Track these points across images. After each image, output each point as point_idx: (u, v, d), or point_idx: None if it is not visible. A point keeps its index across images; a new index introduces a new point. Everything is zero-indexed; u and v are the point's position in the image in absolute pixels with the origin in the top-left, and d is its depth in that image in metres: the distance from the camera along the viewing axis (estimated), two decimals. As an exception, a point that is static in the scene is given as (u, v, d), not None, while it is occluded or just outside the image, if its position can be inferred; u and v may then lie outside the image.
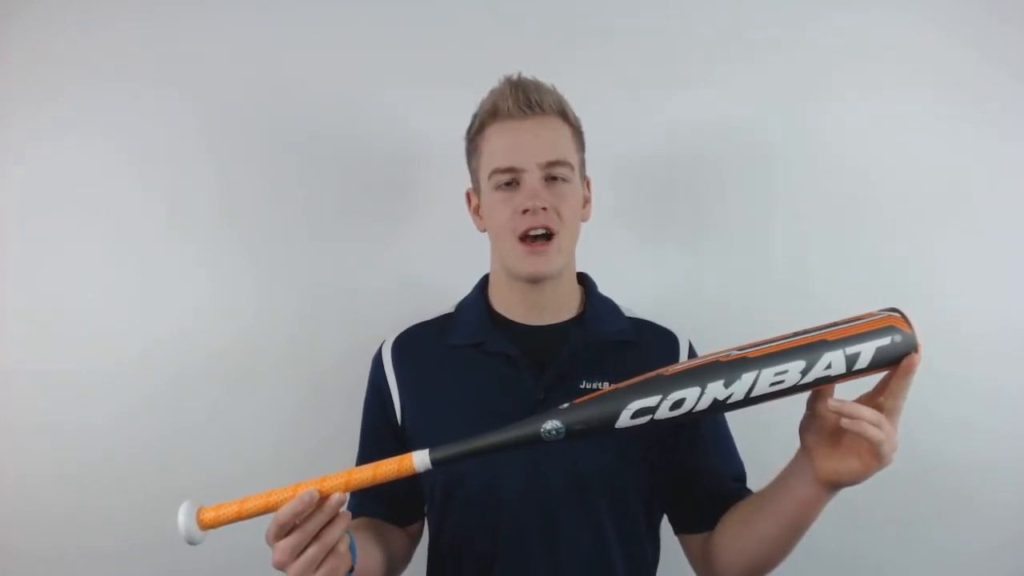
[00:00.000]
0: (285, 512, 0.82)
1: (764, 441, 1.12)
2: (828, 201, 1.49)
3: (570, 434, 0.87)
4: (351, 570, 0.92)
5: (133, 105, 1.45)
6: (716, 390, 0.85)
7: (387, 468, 0.86)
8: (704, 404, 0.86)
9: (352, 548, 0.92)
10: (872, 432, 0.83)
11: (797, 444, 0.95)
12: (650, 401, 0.86)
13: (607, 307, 1.18)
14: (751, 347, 0.88)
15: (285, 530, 0.83)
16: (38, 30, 1.44)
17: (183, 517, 0.84)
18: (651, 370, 1.11)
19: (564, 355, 1.10)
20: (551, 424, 0.86)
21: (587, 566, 1.06)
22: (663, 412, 0.86)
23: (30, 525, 1.43)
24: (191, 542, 0.84)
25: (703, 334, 1.22)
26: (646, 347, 1.14)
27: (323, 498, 0.84)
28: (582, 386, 1.08)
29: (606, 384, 1.08)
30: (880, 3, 1.48)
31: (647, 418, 0.86)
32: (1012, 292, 1.48)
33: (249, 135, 1.48)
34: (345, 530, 0.87)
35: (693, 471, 1.11)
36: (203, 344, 1.46)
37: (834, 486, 0.91)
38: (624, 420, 0.86)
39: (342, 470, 1.16)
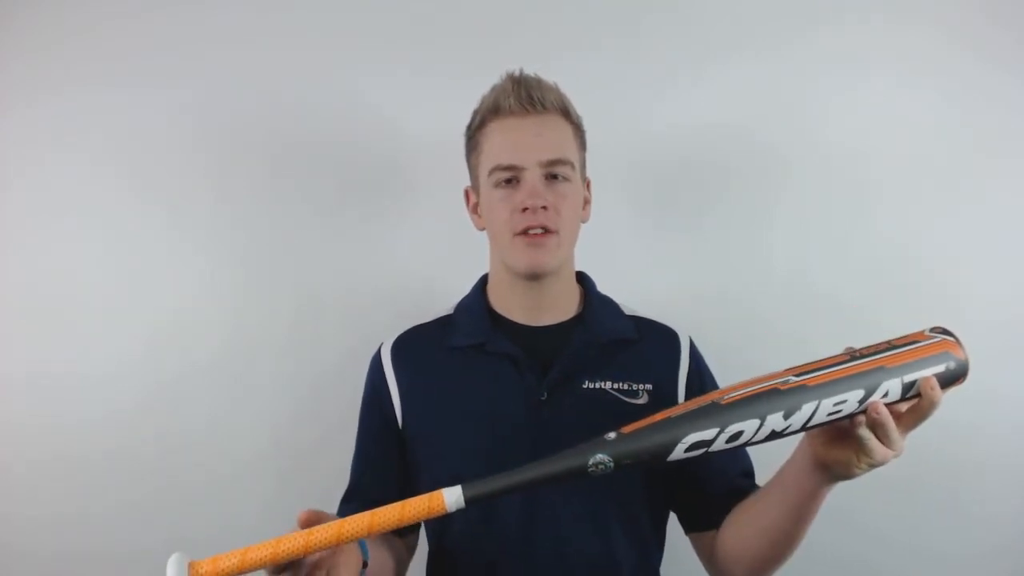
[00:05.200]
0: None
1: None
2: (829, 199, 1.50)
3: (619, 467, 0.80)
4: (364, 565, 0.91)
5: (132, 107, 1.46)
6: (775, 422, 0.81)
7: (416, 508, 0.78)
8: (761, 436, 0.81)
9: (362, 543, 0.91)
10: (861, 431, 0.81)
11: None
12: (707, 434, 0.80)
13: (607, 306, 1.18)
14: (807, 372, 0.83)
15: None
16: (38, 31, 1.45)
17: (172, 571, 0.72)
18: (653, 368, 1.11)
19: (566, 355, 1.09)
20: (600, 457, 0.79)
21: (593, 568, 1.06)
22: (719, 445, 0.81)
23: (30, 525, 1.43)
24: None
25: (705, 331, 1.22)
26: (647, 345, 1.14)
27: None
28: (584, 385, 1.07)
29: (608, 383, 1.08)
30: (880, 4, 1.48)
31: (702, 451, 0.81)
32: (1012, 292, 1.48)
33: (247, 136, 1.48)
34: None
35: (701, 469, 1.09)
36: (203, 344, 1.47)
37: (830, 476, 0.89)
38: (678, 453, 0.81)
39: (347, 474, 1.17)
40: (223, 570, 0.73)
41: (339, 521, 0.77)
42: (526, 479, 0.80)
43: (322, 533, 0.75)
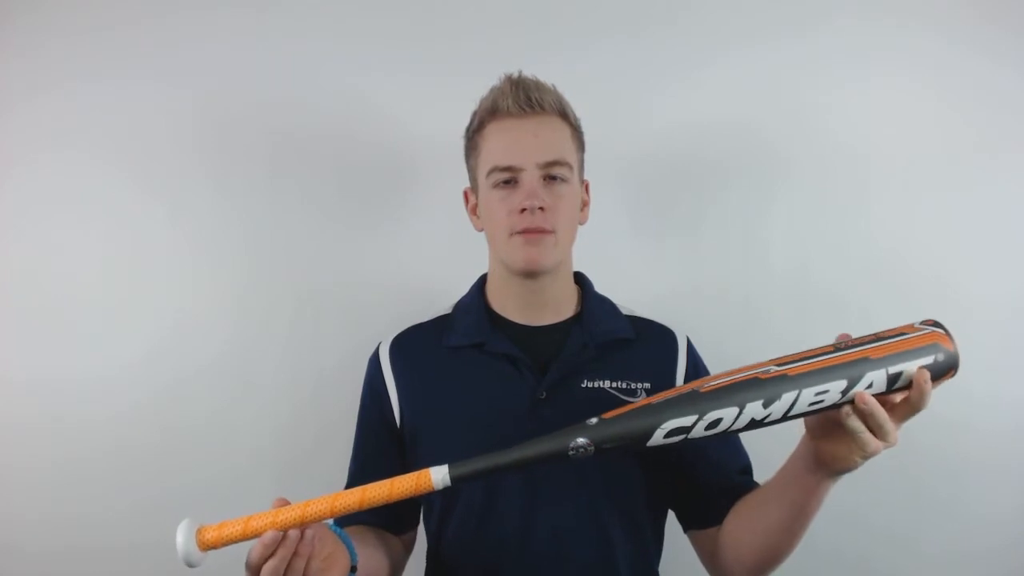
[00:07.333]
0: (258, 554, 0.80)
1: (769, 434, 1.11)
2: (828, 197, 1.50)
3: (599, 452, 0.83)
4: (353, 569, 0.91)
5: (131, 107, 1.46)
6: (754, 410, 0.81)
7: (404, 485, 0.82)
8: (741, 424, 0.82)
9: (348, 544, 0.92)
10: (851, 423, 0.82)
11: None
12: (685, 420, 0.82)
13: (605, 306, 1.18)
14: (790, 362, 0.84)
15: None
16: (38, 31, 1.45)
17: (182, 537, 0.78)
18: (651, 368, 1.11)
19: (565, 355, 1.09)
20: (580, 441, 0.82)
21: (591, 567, 1.06)
22: (698, 432, 0.82)
23: (31, 525, 1.43)
24: (190, 564, 0.79)
25: (704, 329, 1.22)
26: (644, 345, 1.14)
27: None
28: (583, 385, 1.08)
29: (607, 383, 1.08)
30: (880, 3, 1.48)
31: (681, 437, 0.82)
32: (1013, 291, 1.48)
33: (248, 136, 1.48)
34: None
35: (698, 467, 1.10)
36: (203, 345, 1.47)
37: (830, 471, 0.89)
38: (657, 439, 0.82)
39: (346, 474, 1.17)
40: (227, 536, 0.79)
41: (332, 495, 0.82)
42: (509, 460, 0.83)
43: (317, 505, 0.81)
